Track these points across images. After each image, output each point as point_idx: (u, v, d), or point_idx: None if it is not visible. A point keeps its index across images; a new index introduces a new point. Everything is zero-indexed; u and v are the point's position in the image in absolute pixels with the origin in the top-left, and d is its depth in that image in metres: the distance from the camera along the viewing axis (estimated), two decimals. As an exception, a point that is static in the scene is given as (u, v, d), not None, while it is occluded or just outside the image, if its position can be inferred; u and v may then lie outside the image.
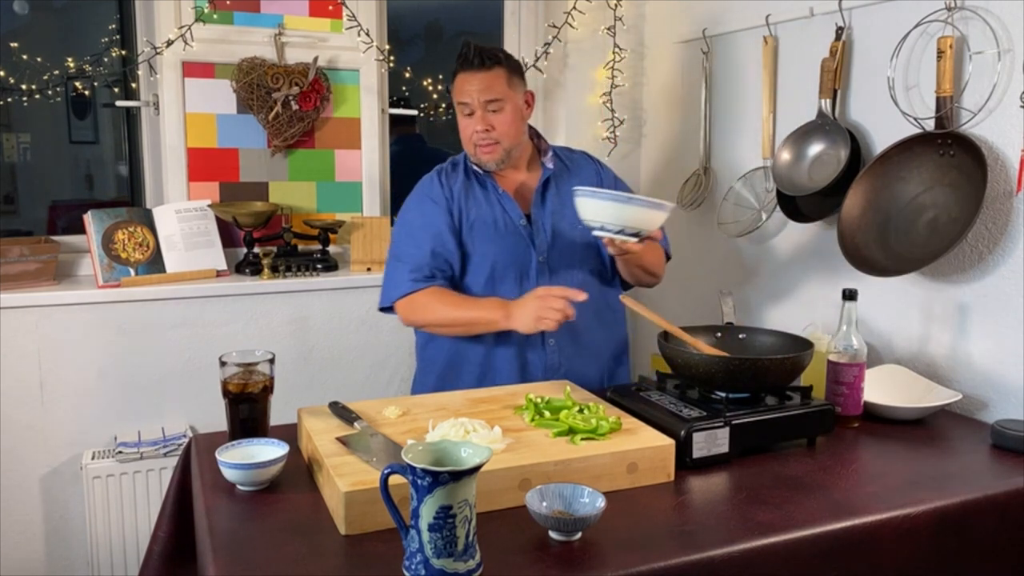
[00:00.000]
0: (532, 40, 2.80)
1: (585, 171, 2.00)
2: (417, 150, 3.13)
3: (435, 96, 2.68)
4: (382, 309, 1.92)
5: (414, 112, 2.77)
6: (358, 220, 2.52)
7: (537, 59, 2.69)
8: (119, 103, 2.52)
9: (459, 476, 0.97)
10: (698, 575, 1.11)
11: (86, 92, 2.55)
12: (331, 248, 2.55)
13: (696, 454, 1.40)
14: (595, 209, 1.61)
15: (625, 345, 2.04)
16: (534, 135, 1.99)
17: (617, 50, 2.71)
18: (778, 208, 2.17)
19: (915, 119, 1.82)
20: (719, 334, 1.71)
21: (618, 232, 1.60)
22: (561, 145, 2.09)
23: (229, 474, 1.28)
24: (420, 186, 1.94)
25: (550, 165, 1.95)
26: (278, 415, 1.53)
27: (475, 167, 1.92)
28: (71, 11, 2.71)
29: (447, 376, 1.91)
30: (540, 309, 1.69)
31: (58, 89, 2.32)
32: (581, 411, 1.44)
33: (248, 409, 1.43)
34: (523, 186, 1.94)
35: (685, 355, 1.54)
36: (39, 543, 2.24)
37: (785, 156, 2.11)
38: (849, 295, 1.64)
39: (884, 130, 1.92)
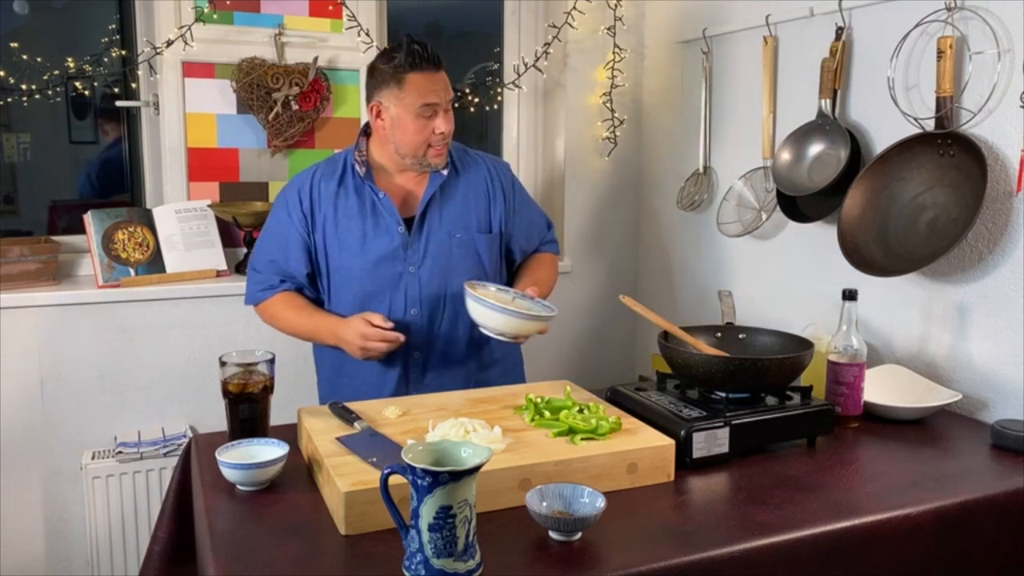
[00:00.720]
0: (532, 40, 2.80)
1: (476, 184, 1.89)
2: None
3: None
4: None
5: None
6: (358, 220, 2.51)
7: (537, 59, 2.69)
8: (119, 103, 2.52)
9: (459, 476, 0.97)
10: (698, 575, 1.11)
11: (86, 92, 2.55)
12: (331, 248, 2.55)
13: (696, 454, 1.40)
14: (478, 313, 1.66)
15: (495, 351, 1.94)
16: None
17: (617, 50, 2.71)
18: (778, 208, 2.17)
19: (915, 119, 1.82)
20: (719, 334, 1.71)
21: (498, 335, 1.67)
22: (460, 145, 1.96)
23: (229, 474, 1.28)
24: (288, 186, 1.88)
25: (444, 172, 1.84)
26: (278, 415, 1.53)
27: (355, 166, 1.81)
28: (71, 11, 2.71)
29: (335, 382, 1.91)
30: (363, 342, 1.69)
31: (58, 89, 2.31)
32: (581, 411, 1.44)
33: (248, 409, 1.43)
34: (409, 193, 1.85)
35: (685, 355, 1.54)
36: (39, 543, 2.24)
37: (785, 156, 2.11)
38: (849, 295, 1.64)
39: (884, 130, 1.92)
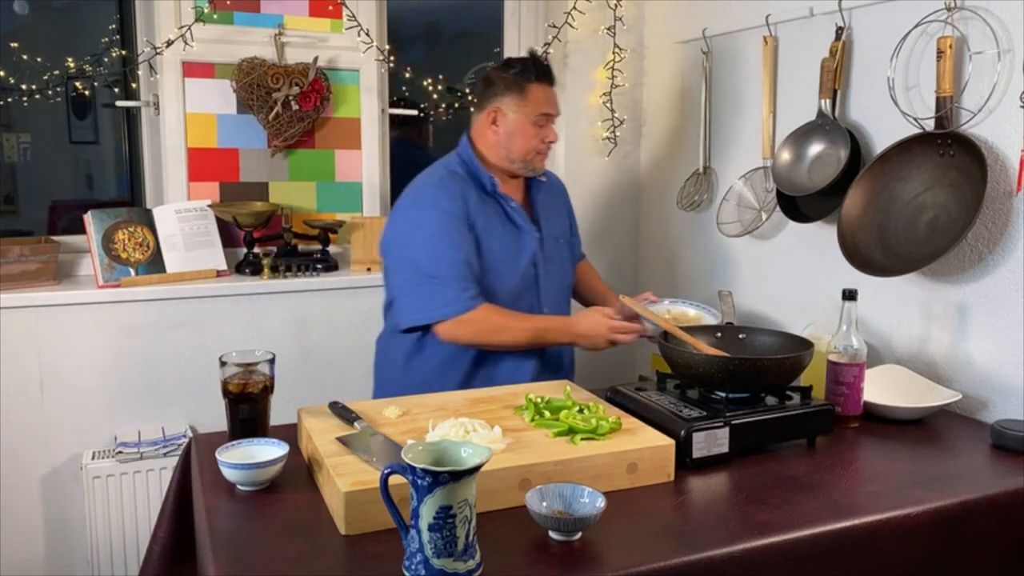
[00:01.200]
0: (532, 40, 2.80)
1: (556, 194, 2.10)
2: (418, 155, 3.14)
3: (435, 96, 2.67)
4: (410, 329, 1.85)
5: (414, 112, 2.77)
6: (358, 220, 2.52)
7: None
8: (119, 103, 2.52)
9: (459, 476, 0.97)
10: (698, 575, 1.11)
11: (86, 92, 2.55)
12: (331, 248, 2.55)
13: (696, 454, 1.40)
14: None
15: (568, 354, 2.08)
16: None
17: (617, 50, 2.71)
18: (778, 208, 2.17)
19: (915, 119, 1.82)
20: (719, 334, 1.71)
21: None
22: None
23: (229, 474, 1.28)
24: (433, 197, 1.86)
25: (543, 178, 2.02)
26: (278, 415, 1.53)
27: (492, 182, 1.90)
28: (71, 11, 2.71)
29: (471, 375, 1.91)
30: (614, 335, 1.78)
31: (58, 89, 2.31)
32: (581, 411, 1.44)
33: (248, 409, 1.43)
34: (523, 200, 2.01)
35: (685, 355, 1.54)
36: (39, 543, 2.24)
37: (785, 156, 2.11)
38: (849, 295, 1.64)
39: (884, 130, 1.92)
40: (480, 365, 1.89)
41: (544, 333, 1.84)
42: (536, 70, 1.90)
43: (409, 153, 2.98)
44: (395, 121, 2.76)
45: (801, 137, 2.08)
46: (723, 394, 1.51)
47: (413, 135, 3.09)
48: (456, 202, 1.84)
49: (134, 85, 2.40)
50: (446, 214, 1.83)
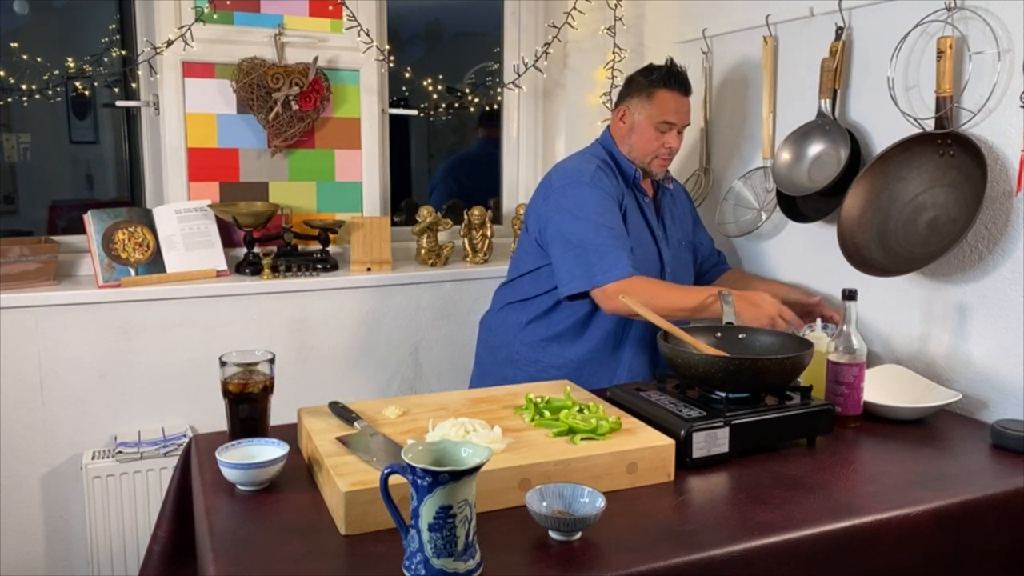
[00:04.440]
0: (532, 40, 2.80)
1: (681, 201, 2.20)
2: (491, 153, 3.14)
3: (435, 96, 2.67)
4: (573, 296, 1.91)
5: (414, 112, 2.77)
6: (358, 220, 2.52)
7: (537, 59, 2.69)
8: (119, 103, 2.52)
9: (459, 476, 0.97)
10: (698, 575, 1.11)
11: (86, 92, 2.55)
12: (331, 248, 2.55)
13: (696, 454, 1.40)
14: None
15: None
16: None
17: (617, 50, 2.71)
18: (778, 208, 2.17)
19: (915, 119, 1.82)
20: (719, 334, 1.71)
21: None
22: None
23: (229, 474, 1.28)
24: (593, 176, 1.95)
25: (670, 187, 2.14)
26: (278, 415, 1.53)
27: (636, 173, 2.02)
28: (71, 11, 2.71)
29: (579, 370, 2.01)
30: (780, 312, 1.79)
31: (58, 89, 2.31)
32: (581, 411, 1.44)
33: (248, 409, 1.43)
34: (651, 200, 2.10)
35: (685, 355, 1.54)
36: (39, 543, 2.24)
37: (785, 156, 2.11)
38: (849, 295, 1.64)
39: (884, 130, 1.92)
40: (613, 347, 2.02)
41: (699, 311, 1.84)
42: (667, 77, 1.99)
43: (494, 150, 3.00)
44: (482, 119, 2.87)
45: (801, 137, 2.08)
46: (723, 394, 1.51)
47: (499, 133, 3.08)
48: (614, 185, 1.97)
49: (134, 85, 2.40)
50: (605, 193, 1.94)
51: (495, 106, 2.82)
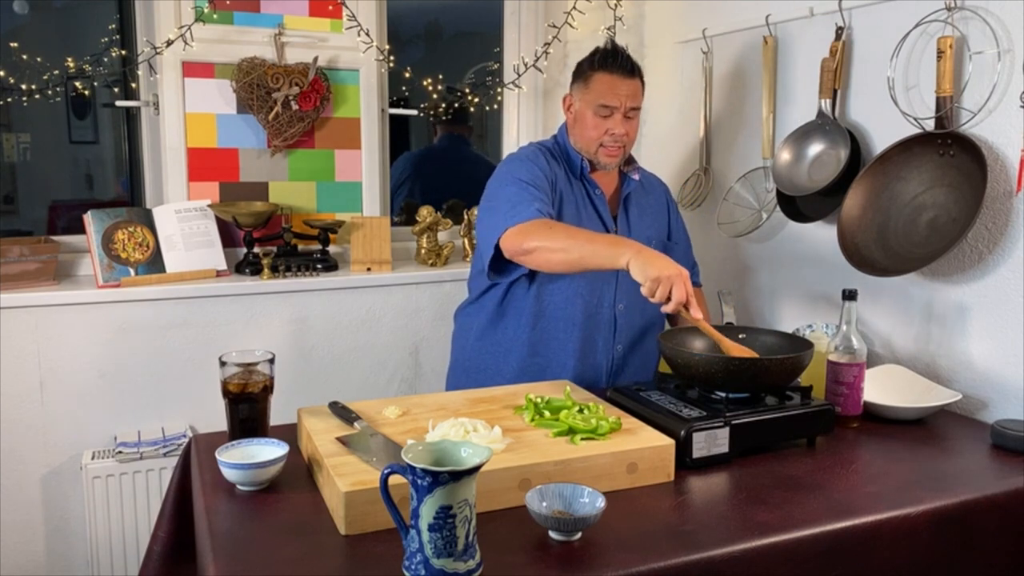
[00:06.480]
0: (532, 40, 2.80)
1: (656, 195, 2.06)
2: (462, 151, 3.14)
3: (435, 96, 2.67)
4: (491, 270, 1.81)
5: (414, 112, 2.77)
6: (358, 220, 2.52)
7: (537, 59, 2.69)
8: (119, 103, 2.52)
9: (459, 476, 0.97)
10: (698, 575, 1.11)
11: (86, 92, 2.55)
12: (331, 248, 2.55)
13: (696, 454, 1.40)
14: None
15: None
16: None
17: (617, 50, 2.71)
18: (778, 208, 2.17)
19: (915, 119, 1.82)
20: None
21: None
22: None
23: (229, 474, 1.28)
24: (528, 154, 1.89)
25: (636, 177, 1.98)
26: (278, 415, 1.53)
27: (583, 164, 1.90)
28: (71, 11, 2.71)
29: (527, 362, 1.90)
30: (669, 279, 1.50)
31: (58, 89, 2.31)
32: (581, 411, 1.44)
33: (248, 409, 1.43)
34: (612, 193, 1.98)
35: (685, 355, 1.54)
36: (39, 543, 2.24)
37: (785, 156, 2.11)
38: (849, 295, 1.64)
39: (884, 130, 1.92)
40: (534, 354, 1.91)
41: (615, 246, 1.60)
42: (603, 59, 1.84)
43: (457, 150, 2.99)
44: (442, 117, 2.79)
45: (801, 137, 2.08)
46: (723, 394, 1.51)
47: (465, 131, 3.09)
48: (549, 166, 1.87)
49: (134, 85, 2.40)
50: (537, 167, 1.84)
51: (495, 106, 2.82)
